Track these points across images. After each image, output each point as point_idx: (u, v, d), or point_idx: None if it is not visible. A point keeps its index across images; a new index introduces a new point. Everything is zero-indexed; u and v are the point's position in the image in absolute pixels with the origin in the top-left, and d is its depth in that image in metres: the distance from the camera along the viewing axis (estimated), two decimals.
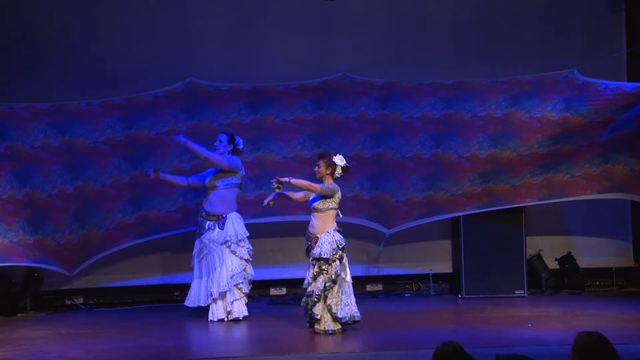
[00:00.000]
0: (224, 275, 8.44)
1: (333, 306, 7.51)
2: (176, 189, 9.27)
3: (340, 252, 7.56)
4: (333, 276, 7.50)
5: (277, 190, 7.74)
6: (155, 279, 10.02)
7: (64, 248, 9.11)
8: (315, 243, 7.60)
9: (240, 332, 8.12)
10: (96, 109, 9.40)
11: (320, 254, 7.51)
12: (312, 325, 7.64)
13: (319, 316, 7.51)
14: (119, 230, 9.35)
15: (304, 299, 7.63)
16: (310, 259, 7.61)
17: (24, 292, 9.49)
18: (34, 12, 9.89)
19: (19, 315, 9.33)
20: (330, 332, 7.52)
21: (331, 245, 7.54)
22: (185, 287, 8.93)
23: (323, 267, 7.49)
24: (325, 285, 7.46)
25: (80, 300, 9.92)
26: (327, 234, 7.60)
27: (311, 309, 7.53)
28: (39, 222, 8.94)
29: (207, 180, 8.65)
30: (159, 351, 7.03)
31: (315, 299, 7.47)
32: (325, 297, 7.50)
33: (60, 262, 9.08)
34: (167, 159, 9.39)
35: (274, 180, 7.66)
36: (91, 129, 9.31)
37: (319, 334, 7.54)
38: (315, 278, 7.51)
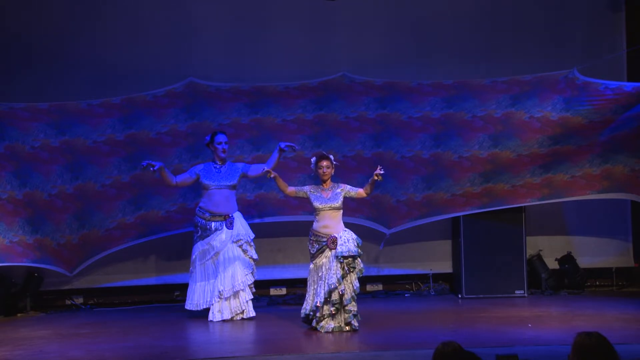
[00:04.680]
0: (237, 274, 8.42)
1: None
2: (176, 189, 9.25)
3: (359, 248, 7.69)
4: (359, 273, 7.64)
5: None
6: (155, 279, 10.01)
7: (64, 248, 9.11)
8: (333, 243, 7.63)
9: (241, 332, 8.11)
10: (96, 109, 9.39)
11: (349, 251, 7.59)
12: (319, 324, 7.63)
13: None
14: (119, 230, 9.35)
15: (333, 298, 7.52)
16: (338, 258, 7.57)
17: (24, 292, 9.49)
18: (34, 12, 9.88)
19: (19, 315, 9.33)
20: (355, 327, 7.59)
21: (353, 242, 7.65)
22: (186, 287, 8.90)
23: (351, 264, 7.60)
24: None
25: (80, 300, 9.92)
26: (345, 231, 7.73)
27: (347, 307, 7.53)
28: (39, 222, 8.93)
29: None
30: (158, 351, 7.01)
31: (355, 296, 7.57)
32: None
33: (60, 262, 9.08)
34: (167, 159, 9.36)
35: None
36: (91, 129, 9.30)
37: (324, 333, 7.54)
38: (344, 277, 7.56)
